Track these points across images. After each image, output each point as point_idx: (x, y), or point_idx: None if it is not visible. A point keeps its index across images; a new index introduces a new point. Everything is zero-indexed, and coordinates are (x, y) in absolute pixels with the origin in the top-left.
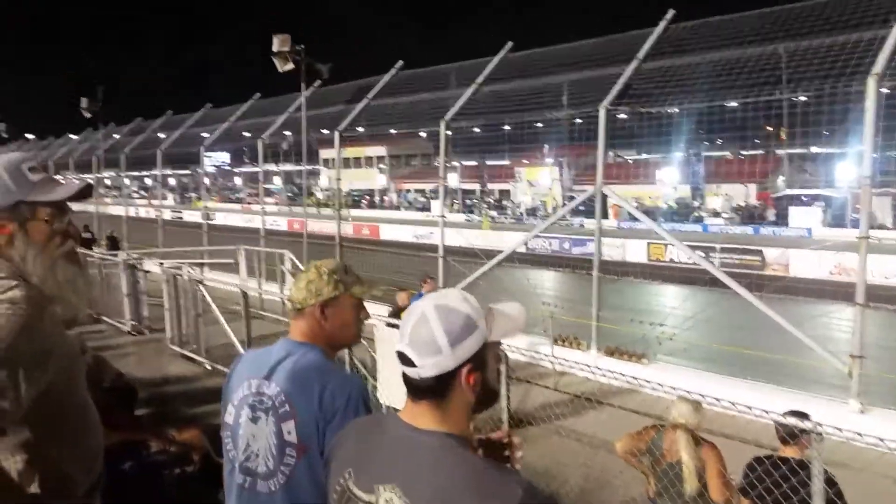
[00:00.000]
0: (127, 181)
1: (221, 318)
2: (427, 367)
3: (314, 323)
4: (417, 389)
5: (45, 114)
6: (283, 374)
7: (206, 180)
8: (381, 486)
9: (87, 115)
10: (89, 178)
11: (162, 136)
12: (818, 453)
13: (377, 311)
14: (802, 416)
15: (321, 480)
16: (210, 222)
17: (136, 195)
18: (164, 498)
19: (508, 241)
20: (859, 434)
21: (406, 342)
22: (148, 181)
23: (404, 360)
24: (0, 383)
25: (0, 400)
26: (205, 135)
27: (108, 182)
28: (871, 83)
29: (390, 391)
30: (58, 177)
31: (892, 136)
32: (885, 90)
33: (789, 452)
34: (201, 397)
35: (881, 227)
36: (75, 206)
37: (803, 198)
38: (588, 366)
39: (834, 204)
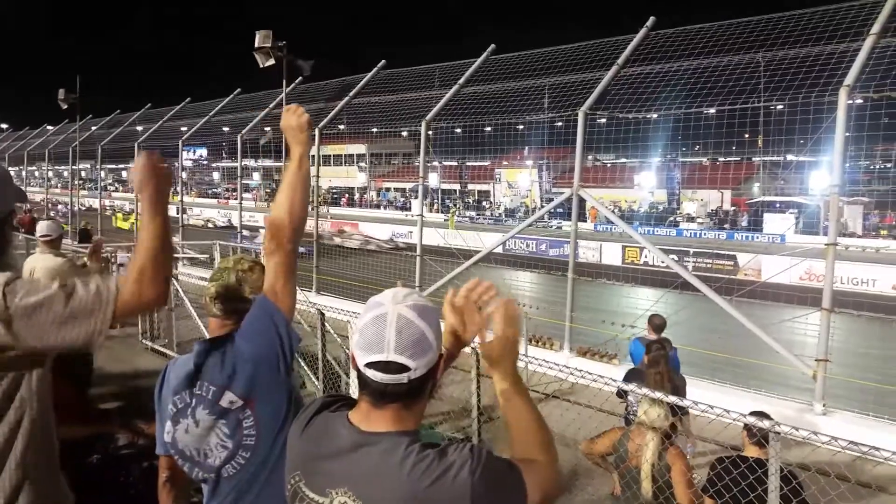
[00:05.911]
0: (103, 174)
1: (194, 313)
2: (420, 368)
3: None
4: (393, 395)
5: (23, 104)
6: (212, 370)
7: (184, 174)
8: (333, 491)
9: (64, 106)
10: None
11: (140, 129)
12: (775, 451)
13: (354, 308)
14: (763, 416)
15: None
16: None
17: (111, 188)
18: (130, 490)
19: (487, 241)
20: (814, 433)
21: (394, 350)
22: (124, 174)
23: (391, 368)
24: None
25: None
26: (183, 129)
27: (83, 174)
28: (843, 94)
29: None
30: None
31: (863, 146)
32: (858, 101)
33: (751, 452)
34: None
35: (851, 234)
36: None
37: (777, 204)
38: (557, 364)
39: (807, 211)
